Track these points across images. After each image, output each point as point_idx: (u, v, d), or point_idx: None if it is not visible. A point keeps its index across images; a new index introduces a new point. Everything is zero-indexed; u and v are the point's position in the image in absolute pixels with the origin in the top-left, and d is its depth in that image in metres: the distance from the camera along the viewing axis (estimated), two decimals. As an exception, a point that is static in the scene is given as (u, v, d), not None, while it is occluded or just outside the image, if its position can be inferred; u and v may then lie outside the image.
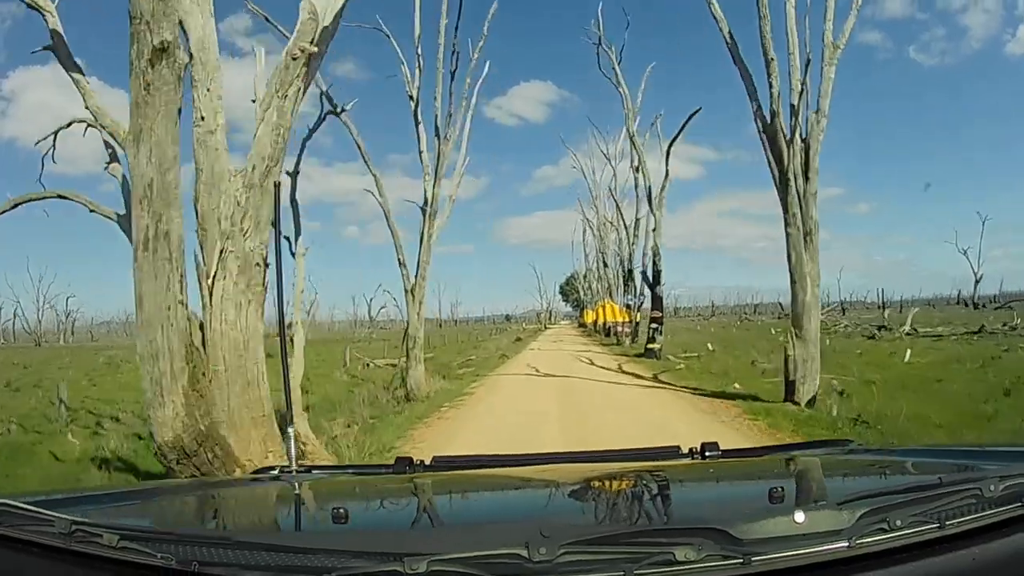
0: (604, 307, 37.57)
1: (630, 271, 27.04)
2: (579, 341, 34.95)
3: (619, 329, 29.61)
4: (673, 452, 1.58)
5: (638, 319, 26.25)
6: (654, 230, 19.90)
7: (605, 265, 38.72)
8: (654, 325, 19.22)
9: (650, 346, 18.69)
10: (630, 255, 26.65)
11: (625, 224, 27.23)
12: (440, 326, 78.07)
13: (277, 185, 1.63)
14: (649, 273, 20.14)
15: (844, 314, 49.23)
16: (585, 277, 59.61)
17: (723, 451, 1.54)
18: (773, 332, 31.28)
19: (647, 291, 20.86)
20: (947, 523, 0.89)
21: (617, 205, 29.42)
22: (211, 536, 0.95)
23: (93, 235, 79.38)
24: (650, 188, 20.13)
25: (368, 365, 17.84)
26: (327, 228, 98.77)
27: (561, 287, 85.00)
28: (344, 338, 44.33)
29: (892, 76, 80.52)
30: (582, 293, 63.67)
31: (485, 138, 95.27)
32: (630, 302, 27.62)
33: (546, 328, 66.90)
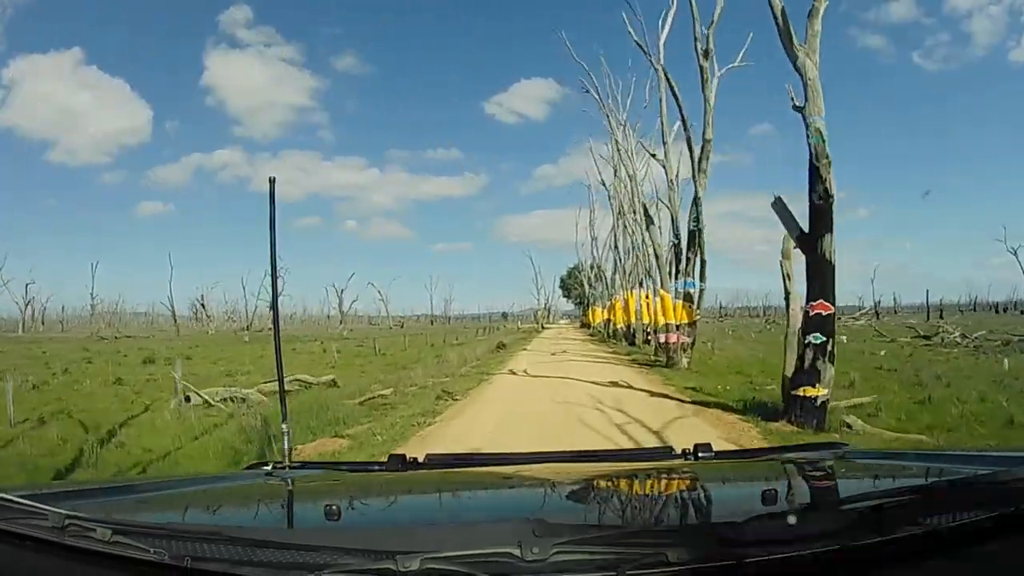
0: (629, 301, 27.19)
1: (692, 233, 14.82)
2: (593, 354, 22.07)
3: (674, 339, 15.30)
4: (667, 453, 1.59)
5: (697, 317, 15.31)
6: (801, 107, 7.62)
7: (649, 221, 20.56)
8: (819, 337, 7.41)
9: (807, 392, 7.33)
10: (695, 200, 14.52)
11: (690, 145, 14.48)
12: (432, 323, 77.16)
13: (272, 181, 1.63)
14: (803, 223, 7.76)
15: (878, 318, 46.53)
16: (592, 267, 47.62)
17: (716, 452, 1.54)
18: (844, 341, 21.50)
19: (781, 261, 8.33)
20: (939, 527, 0.90)
21: (675, 95, 15.16)
22: (204, 531, 0.95)
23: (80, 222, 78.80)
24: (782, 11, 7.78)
25: (188, 400, 10.37)
26: (326, 222, 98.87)
27: (562, 280, 75.13)
28: (314, 335, 39.69)
29: (894, 80, 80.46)
30: (587, 287, 52.05)
31: (484, 136, 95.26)
32: (691, 288, 15.10)
33: (543, 329, 57.68)
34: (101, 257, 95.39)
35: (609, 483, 1.45)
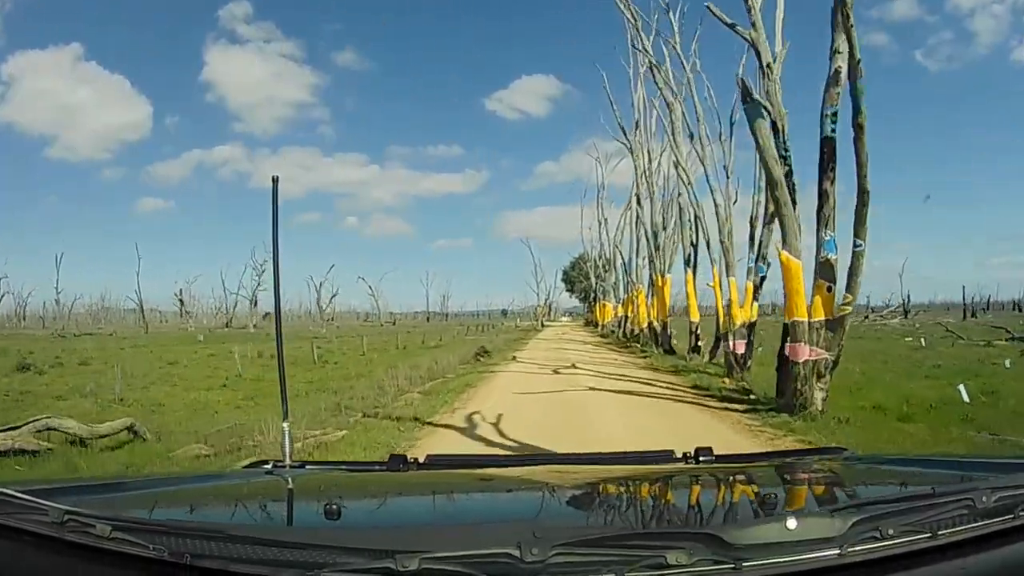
0: (663, 290, 19.66)
1: (829, 141, 7.45)
2: (621, 374, 13.07)
3: (806, 354, 7.55)
4: (667, 456, 1.59)
5: (847, 310, 7.47)
6: None
7: (755, 111, 8.38)
8: None
9: None
10: (848, 74, 6.96)
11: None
12: (428, 320, 75.76)
13: (275, 180, 1.63)
14: None
15: (907, 316, 43.43)
16: (600, 256, 41.32)
17: (717, 456, 1.54)
18: (922, 343, 18.55)
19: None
20: (939, 533, 0.89)
21: None
22: (203, 529, 0.95)
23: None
24: None
25: None
26: (326, 218, 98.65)
27: (565, 272, 67.66)
28: (286, 333, 38.22)
29: (897, 79, 79.97)
30: (594, 280, 45.99)
31: (485, 133, 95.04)
32: (831, 253, 7.52)
33: (543, 327, 50.44)
34: (98, 254, 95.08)
35: (609, 486, 1.45)
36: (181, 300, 60.03)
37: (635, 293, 25.37)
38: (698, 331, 16.78)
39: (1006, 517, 0.93)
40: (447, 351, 19.71)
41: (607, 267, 39.12)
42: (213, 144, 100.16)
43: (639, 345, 22.31)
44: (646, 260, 24.06)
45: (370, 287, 69.91)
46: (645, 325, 22.77)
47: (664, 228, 21.15)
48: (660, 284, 20.38)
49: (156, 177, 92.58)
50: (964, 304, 49.74)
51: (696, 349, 16.31)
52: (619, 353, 20.63)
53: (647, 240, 22.70)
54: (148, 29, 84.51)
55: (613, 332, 32.55)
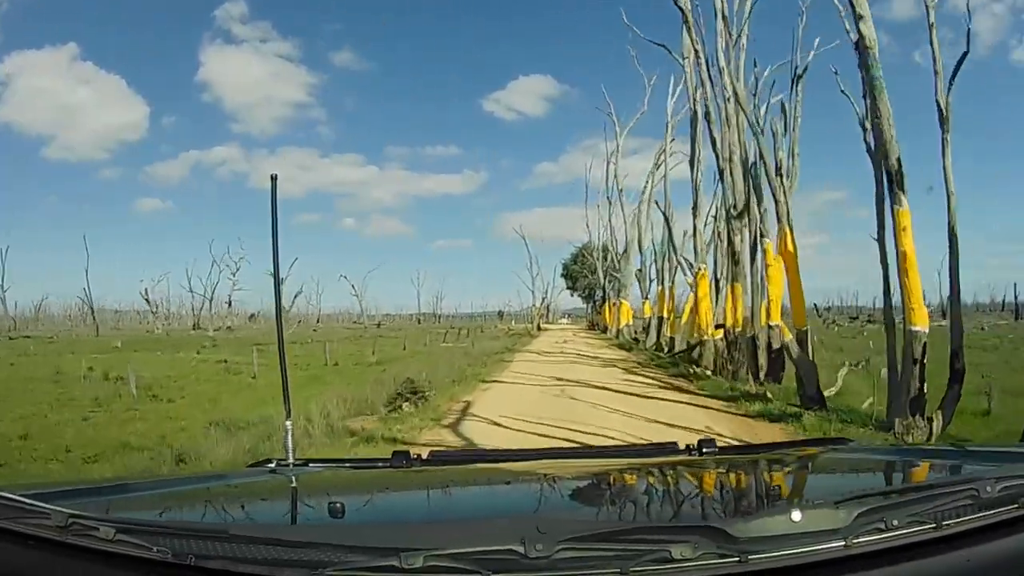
0: (794, 255, 9.61)
1: None
2: None
3: None
4: (671, 449, 1.59)
5: None
6: None
7: None
8: None
9: None
10: None
11: None
12: (420, 322, 73.46)
13: (274, 179, 1.63)
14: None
15: (944, 317, 39.39)
16: (613, 242, 31.89)
17: (720, 448, 1.54)
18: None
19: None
20: (943, 523, 0.89)
21: None
22: (207, 529, 0.95)
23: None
24: None
25: None
26: (326, 219, 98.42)
27: (565, 267, 57.43)
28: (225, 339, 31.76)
29: (898, 78, 79.70)
30: (601, 275, 37.55)
31: (483, 133, 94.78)
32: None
33: (540, 331, 42.85)
34: (97, 254, 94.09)
35: (613, 479, 1.45)
36: (147, 299, 55.35)
37: (697, 277, 14.99)
38: (924, 357, 6.86)
39: (1010, 507, 0.93)
40: (382, 374, 13.06)
41: (621, 256, 28.84)
42: (211, 144, 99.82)
43: (711, 373, 12.57)
44: (713, 218, 15.27)
45: (353, 287, 64.06)
46: (717, 335, 13.23)
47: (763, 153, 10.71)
48: (791, 246, 9.84)
49: (155, 177, 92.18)
50: (1016, 305, 45.12)
51: (944, 414, 6.63)
52: (690, 397, 10.18)
53: (728, 175, 11.96)
54: (144, 29, 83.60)
55: (637, 342, 22.93)
